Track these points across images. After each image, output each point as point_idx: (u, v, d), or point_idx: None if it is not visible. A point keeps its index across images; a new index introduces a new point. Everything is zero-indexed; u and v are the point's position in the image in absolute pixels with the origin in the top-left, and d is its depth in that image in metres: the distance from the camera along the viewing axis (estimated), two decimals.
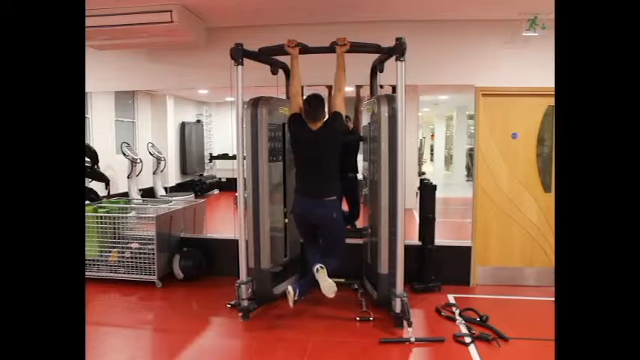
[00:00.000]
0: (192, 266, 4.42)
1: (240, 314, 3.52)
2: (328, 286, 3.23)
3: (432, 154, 12.63)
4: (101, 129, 6.52)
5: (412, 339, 3.12)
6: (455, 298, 3.96)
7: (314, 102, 3.33)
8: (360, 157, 4.40)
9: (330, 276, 3.25)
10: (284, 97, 4.04)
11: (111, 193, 6.03)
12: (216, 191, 9.82)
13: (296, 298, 3.25)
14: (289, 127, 3.45)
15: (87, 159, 5.55)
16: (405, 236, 3.38)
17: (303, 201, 3.40)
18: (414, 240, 4.25)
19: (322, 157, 3.35)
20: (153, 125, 8.47)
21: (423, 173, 9.62)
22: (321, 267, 3.23)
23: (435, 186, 4.25)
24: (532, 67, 4.08)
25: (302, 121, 3.36)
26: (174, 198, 6.56)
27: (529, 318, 3.57)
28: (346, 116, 3.61)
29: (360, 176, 4.46)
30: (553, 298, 3.20)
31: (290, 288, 3.27)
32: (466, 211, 4.58)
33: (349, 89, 4.15)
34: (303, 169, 3.43)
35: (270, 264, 3.69)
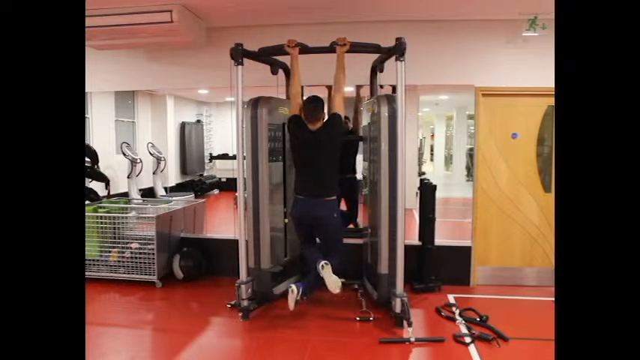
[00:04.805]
0: (192, 266, 4.42)
1: (240, 314, 3.52)
2: (334, 282, 3.21)
3: (432, 154, 12.63)
4: (101, 129, 6.52)
5: (412, 339, 3.12)
6: (455, 298, 3.96)
7: (313, 103, 3.35)
8: (359, 158, 4.40)
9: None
10: (284, 97, 4.03)
11: (111, 193, 6.03)
12: (216, 191, 9.82)
13: (298, 298, 3.20)
14: (289, 128, 3.46)
15: (87, 159, 5.55)
16: (405, 236, 3.38)
17: (302, 201, 3.40)
18: (414, 240, 4.25)
19: (321, 158, 3.35)
20: (153, 125, 8.47)
21: (423, 173, 9.64)
22: (325, 264, 3.22)
23: (435, 186, 4.25)
24: (532, 67, 4.07)
25: (301, 122, 3.38)
26: (174, 198, 6.57)
27: (529, 318, 3.57)
28: (345, 117, 3.61)
29: (359, 176, 4.46)
30: (553, 298, 3.20)
31: (293, 286, 3.23)
32: (466, 211, 4.58)
33: (349, 89, 4.15)
34: (303, 170, 3.44)
35: (270, 264, 3.69)
